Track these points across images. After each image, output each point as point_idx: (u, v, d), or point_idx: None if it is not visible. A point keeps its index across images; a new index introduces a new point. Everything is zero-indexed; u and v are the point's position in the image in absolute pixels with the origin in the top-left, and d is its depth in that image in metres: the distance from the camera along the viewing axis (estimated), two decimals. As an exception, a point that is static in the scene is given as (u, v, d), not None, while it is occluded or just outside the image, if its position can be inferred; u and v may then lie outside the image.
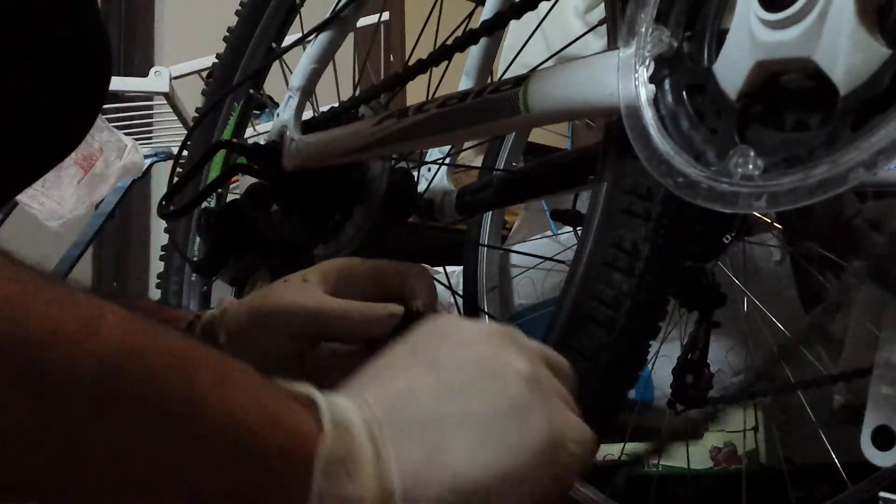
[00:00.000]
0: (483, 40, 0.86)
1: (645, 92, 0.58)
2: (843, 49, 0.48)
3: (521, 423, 0.44)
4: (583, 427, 0.47)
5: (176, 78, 1.93)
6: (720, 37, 0.56)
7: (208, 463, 0.36)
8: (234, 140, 1.12)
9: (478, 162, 1.43)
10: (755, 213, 0.90)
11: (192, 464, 0.36)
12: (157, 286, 1.20)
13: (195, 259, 1.10)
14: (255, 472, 0.37)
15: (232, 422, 0.37)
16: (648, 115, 0.57)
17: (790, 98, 0.52)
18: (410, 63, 0.80)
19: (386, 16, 2.08)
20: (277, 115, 0.96)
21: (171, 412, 0.35)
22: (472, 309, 1.33)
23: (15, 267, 0.33)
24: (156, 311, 0.78)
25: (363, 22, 1.77)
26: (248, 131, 1.32)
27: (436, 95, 0.78)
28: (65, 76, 0.57)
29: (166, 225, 1.19)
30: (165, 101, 1.96)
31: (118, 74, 2.07)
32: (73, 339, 0.32)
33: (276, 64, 1.14)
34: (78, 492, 0.34)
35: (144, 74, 1.91)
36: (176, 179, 1.03)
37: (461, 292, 1.34)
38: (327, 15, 0.98)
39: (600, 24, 0.88)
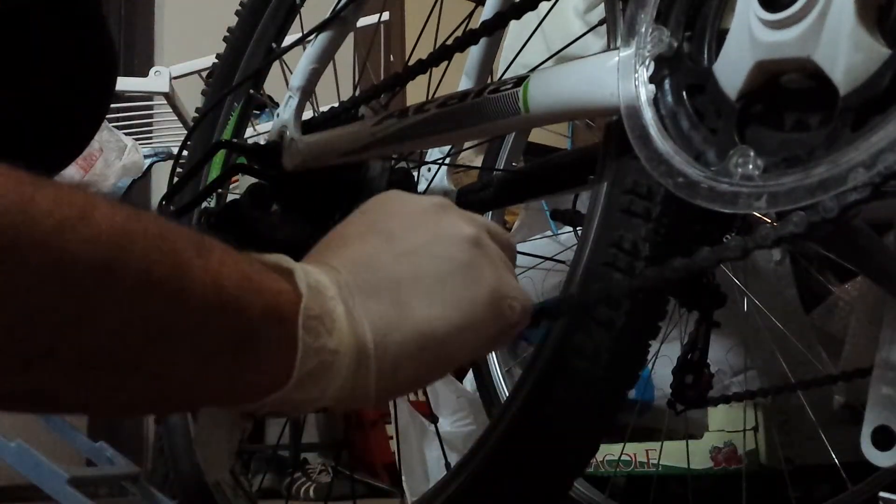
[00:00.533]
0: (483, 40, 0.86)
1: (645, 92, 0.58)
2: (843, 49, 0.48)
3: (469, 279, 0.49)
4: (521, 289, 0.53)
5: (176, 78, 1.93)
6: (720, 37, 0.56)
7: (198, 325, 0.40)
8: (234, 140, 1.12)
9: (478, 162, 1.43)
10: (755, 214, 0.90)
11: (184, 327, 0.40)
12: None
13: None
14: (241, 331, 0.42)
15: (216, 287, 0.41)
16: (648, 115, 0.57)
17: (790, 98, 0.52)
18: (410, 63, 0.80)
19: (386, 16, 2.08)
20: (277, 115, 0.96)
21: (159, 282, 0.39)
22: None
23: (11, 170, 0.36)
24: None
25: (363, 22, 1.77)
26: (249, 131, 1.32)
27: (436, 95, 0.78)
28: (71, 80, 0.58)
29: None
30: (165, 101, 1.96)
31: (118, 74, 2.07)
32: (72, 226, 0.36)
33: (276, 64, 1.14)
34: (84, 353, 0.37)
35: (144, 74, 1.91)
36: (176, 179, 1.03)
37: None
38: (327, 15, 0.98)
39: (600, 24, 0.88)
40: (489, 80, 0.93)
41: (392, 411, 1.51)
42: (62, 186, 0.37)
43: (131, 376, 0.40)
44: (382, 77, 0.88)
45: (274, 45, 1.15)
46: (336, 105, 0.93)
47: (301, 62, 0.99)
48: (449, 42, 0.77)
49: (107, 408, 0.43)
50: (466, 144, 1.21)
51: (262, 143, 0.95)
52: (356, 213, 0.54)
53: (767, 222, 0.93)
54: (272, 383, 0.44)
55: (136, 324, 0.38)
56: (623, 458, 1.41)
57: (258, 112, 1.66)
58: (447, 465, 0.84)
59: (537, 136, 1.74)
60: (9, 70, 0.54)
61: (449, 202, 0.54)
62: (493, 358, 1.39)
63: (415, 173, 0.94)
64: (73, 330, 0.37)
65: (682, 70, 0.57)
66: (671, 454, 1.36)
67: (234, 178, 1.07)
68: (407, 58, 0.90)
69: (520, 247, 1.63)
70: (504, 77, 0.74)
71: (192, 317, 0.40)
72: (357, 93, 0.95)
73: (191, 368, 0.41)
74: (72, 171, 1.88)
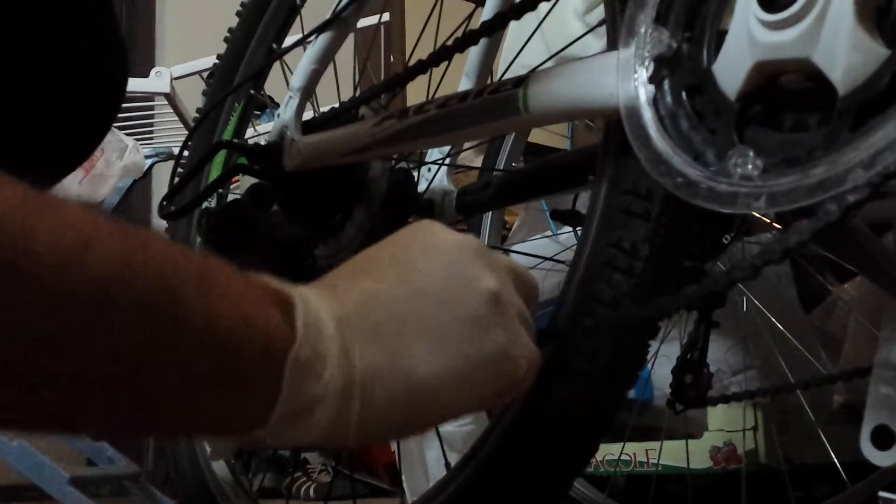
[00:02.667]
0: (483, 41, 0.86)
1: (644, 92, 0.58)
2: (841, 50, 0.48)
3: (477, 335, 0.48)
4: (532, 348, 0.52)
5: (177, 78, 1.93)
6: (719, 37, 0.56)
7: (192, 363, 0.41)
8: (235, 140, 1.12)
9: (478, 162, 1.43)
10: (754, 213, 0.91)
11: (178, 362, 0.40)
12: (158, 286, 1.20)
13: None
14: (234, 371, 0.42)
15: (211, 327, 0.41)
16: (648, 115, 0.57)
17: (789, 98, 0.52)
18: (410, 64, 0.80)
19: (386, 16, 2.08)
20: (278, 115, 0.96)
21: (158, 320, 0.39)
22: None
23: (18, 185, 0.36)
24: None
25: (363, 22, 1.77)
26: (249, 132, 1.32)
27: (436, 96, 0.78)
28: (83, 86, 0.57)
29: (167, 225, 1.19)
30: (166, 102, 1.96)
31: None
32: (72, 260, 0.36)
33: (276, 64, 1.14)
34: (82, 380, 0.38)
35: (145, 75, 1.91)
36: (177, 180, 1.03)
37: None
38: (328, 16, 0.98)
39: (600, 24, 0.88)
40: (489, 81, 0.93)
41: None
42: (67, 211, 0.37)
43: (120, 402, 0.40)
44: (382, 78, 0.88)
45: (274, 45, 1.15)
46: (336, 106, 0.93)
47: (301, 63, 0.99)
48: (449, 43, 0.78)
49: (98, 428, 0.43)
50: (466, 145, 1.21)
51: (263, 143, 0.95)
52: (389, 239, 0.53)
53: (766, 222, 0.94)
54: (252, 421, 0.44)
55: (129, 355, 0.39)
56: (623, 457, 1.41)
57: (259, 112, 1.67)
58: (447, 464, 0.84)
59: (537, 136, 1.74)
60: (20, 72, 0.53)
61: (481, 246, 0.52)
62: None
63: (415, 173, 0.94)
64: (70, 352, 0.37)
65: (682, 71, 0.57)
66: (671, 454, 1.37)
67: (234, 179, 1.07)
68: (407, 58, 0.90)
69: (519, 247, 1.64)
70: (504, 78, 0.74)
71: (185, 353, 0.40)
72: (357, 93, 0.95)
73: (178, 399, 0.41)
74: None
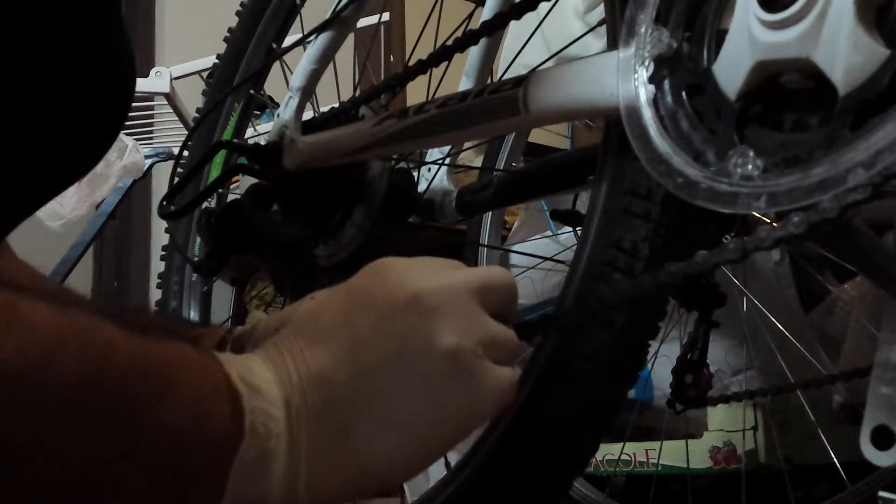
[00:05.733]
0: (483, 41, 0.87)
1: (644, 92, 0.58)
2: (842, 49, 0.48)
3: (434, 402, 0.47)
4: (501, 375, 0.50)
5: (177, 78, 1.93)
6: (720, 37, 0.56)
7: (145, 466, 0.42)
8: (235, 140, 1.13)
9: (478, 162, 1.43)
10: (754, 214, 0.91)
11: (131, 466, 0.41)
12: (158, 286, 1.20)
13: (196, 259, 1.10)
14: (184, 471, 0.43)
15: (167, 433, 0.42)
16: (648, 115, 0.57)
17: (789, 98, 0.52)
18: (410, 63, 0.80)
19: (386, 16, 2.08)
20: (278, 115, 0.96)
21: (115, 428, 0.40)
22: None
23: None
24: (180, 328, 0.79)
25: (363, 22, 1.77)
26: (249, 131, 1.32)
27: (436, 96, 0.78)
28: (90, 95, 0.57)
29: (167, 225, 1.19)
30: (166, 102, 1.96)
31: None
32: (37, 367, 0.37)
33: (276, 64, 1.14)
34: (35, 488, 0.39)
35: (145, 75, 1.91)
36: (177, 180, 1.03)
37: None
38: (327, 15, 0.98)
39: (600, 24, 0.88)
40: (489, 81, 0.93)
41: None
42: (35, 318, 0.38)
43: None
44: (382, 77, 0.88)
45: (274, 45, 1.15)
46: (336, 105, 0.93)
47: (301, 62, 0.99)
48: (449, 42, 0.78)
49: None
50: (466, 144, 1.21)
51: (263, 143, 0.95)
52: (347, 286, 0.51)
53: (767, 222, 0.94)
54: None
55: (86, 464, 0.39)
56: (622, 457, 1.41)
57: (259, 112, 1.67)
58: (447, 464, 0.84)
59: (537, 136, 1.74)
60: (30, 79, 0.53)
61: (435, 288, 0.49)
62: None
63: (415, 173, 0.94)
64: (25, 464, 0.38)
65: (682, 70, 0.57)
66: (670, 454, 1.37)
67: (234, 179, 1.07)
68: (407, 58, 0.90)
69: (519, 247, 1.64)
70: (504, 77, 0.74)
71: (139, 458, 0.41)
72: (357, 93, 0.95)
73: (130, 500, 0.42)
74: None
